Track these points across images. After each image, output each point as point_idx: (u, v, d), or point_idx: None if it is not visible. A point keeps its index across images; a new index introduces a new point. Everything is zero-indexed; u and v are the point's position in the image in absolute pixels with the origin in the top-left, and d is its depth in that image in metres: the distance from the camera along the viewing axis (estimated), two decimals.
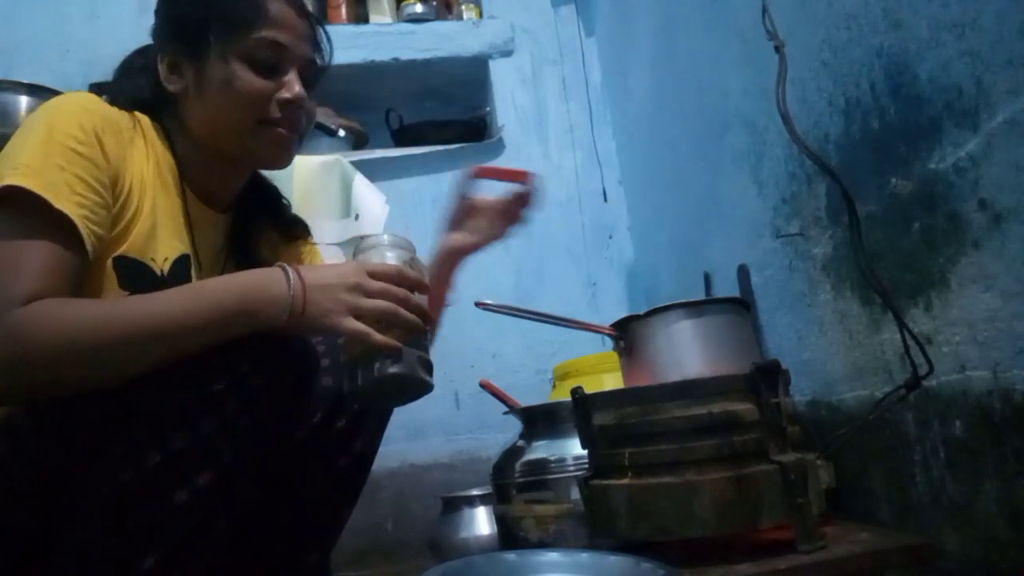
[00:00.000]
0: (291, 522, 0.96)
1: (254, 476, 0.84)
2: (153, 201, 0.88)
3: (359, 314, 0.78)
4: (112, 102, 0.90)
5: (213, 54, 0.89)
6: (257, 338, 0.78)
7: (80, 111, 0.81)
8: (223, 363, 0.76)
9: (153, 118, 0.93)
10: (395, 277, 0.82)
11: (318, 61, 0.97)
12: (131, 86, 0.95)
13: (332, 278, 0.80)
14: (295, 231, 1.10)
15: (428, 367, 0.83)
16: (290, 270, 0.78)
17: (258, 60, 0.89)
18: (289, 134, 0.93)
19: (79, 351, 0.72)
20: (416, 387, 0.82)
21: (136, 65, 0.97)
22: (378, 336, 0.78)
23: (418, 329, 0.82)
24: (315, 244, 1.14)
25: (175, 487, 0.75)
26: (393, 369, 0.79)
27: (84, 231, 0.77)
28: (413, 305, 0.81)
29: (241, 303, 0.76)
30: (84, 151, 0.79)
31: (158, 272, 0.87)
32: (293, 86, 0.91)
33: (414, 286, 0.83)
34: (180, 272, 0.89)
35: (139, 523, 0.75)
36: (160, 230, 0.88)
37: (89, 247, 0.78)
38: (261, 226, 1.05)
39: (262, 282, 0.78)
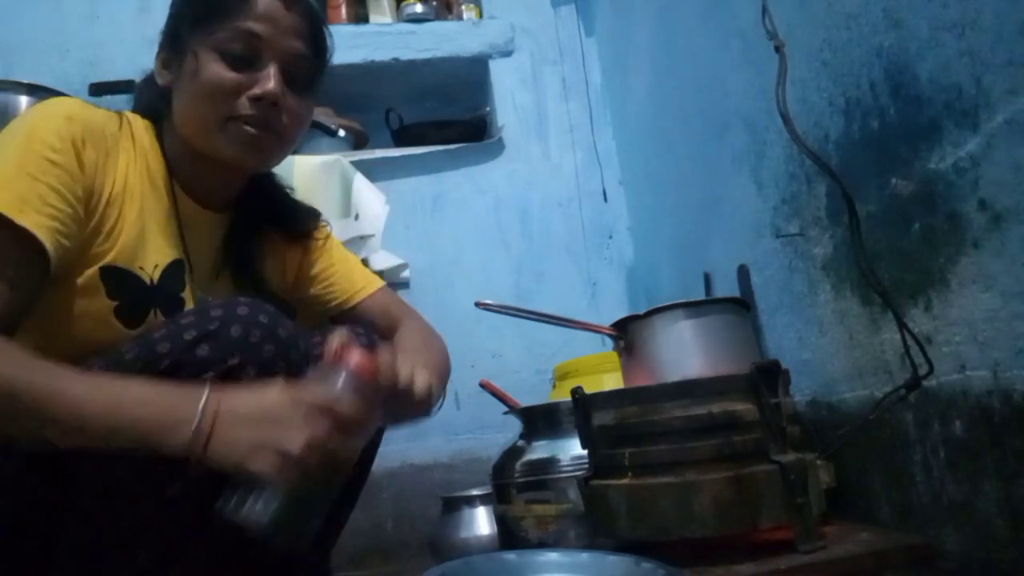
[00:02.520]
0: None
1: None
2: (141, 206, 0.86)
3: (265, 448, 0.67)
4: (134, 107, 0.91)
5: (190, 46, 0.85)
6: (245, 330, 0.76)
7: (61, 120, 0.79)
8: (212, 358, 0.75)
9: (150, 119, 0.92)
10: (328, 410, 0.69)
11: (308, 55, 0.90)
12: (145, 93, 0.94)
13: (251, 406, 0.70)
14: (300, 232, 1.05)
15: (297, 535, 0.71)
16: (208, 394, 0.69)
17: (230, 52, 0.84)
18: (258, 132, 0.86)
19: None
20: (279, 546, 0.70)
21: (147, 80, 0.96)
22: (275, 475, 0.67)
23: (326, 481, 0.71)
24: (328, 234, 1.09)
25: (168, 480, 0.74)
26: (256, 517, 0.66)
27: (49, 244, 0.74)
28: (331, 453, 0.69)
29: (141, 420, 0.68)
30: (59, 160, 0.77)
31: (147, 280, 0.85)
32: (267, 82, 0.85)
33: (347, 424, 0.70)
34: (172, 278, 0.88)
35: (132, 518, 0.75)
36: (149, 236, 0.86)
37: (55, 260, 0.75)
38: (262, 227, 1.02)
39: (171, 403, 0.69)
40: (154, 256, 0.86)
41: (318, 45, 0.92)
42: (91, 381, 0.70)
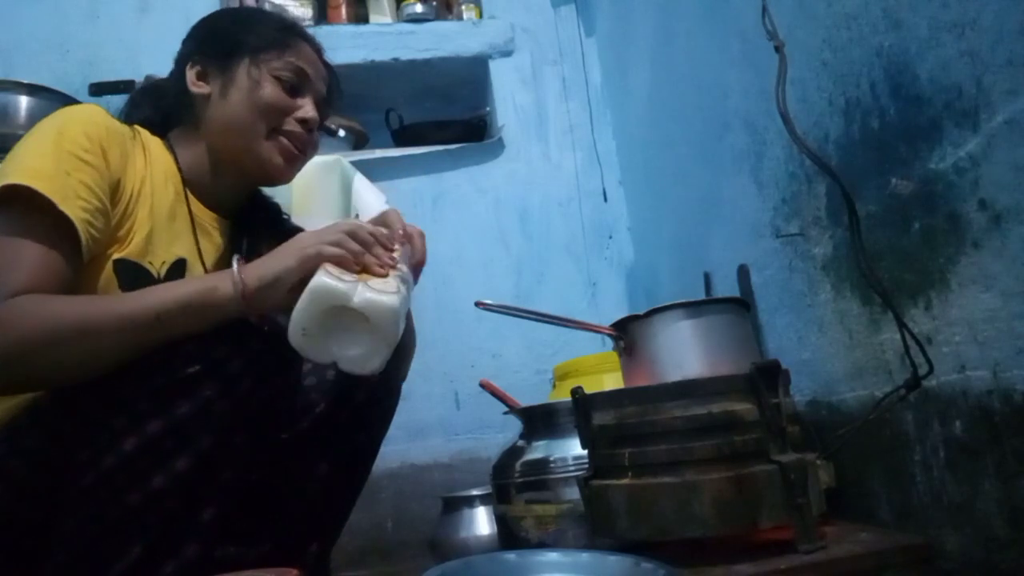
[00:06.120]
0: (291, 511, 0.98)
1: (241, 461, 0.85)
2: (151, 207, 0.92)
3: (289, 254, 0.82)
4: (125, 118, 0.98)
5: (244, 65, 0.98)
6: (236, 324, 0.81)
7: (87, 122, 0.86)
8: (200, 348, 0.79)
9: (157, 133, 0.99)
10: (349, 231, 0.85)
11: (327, 101, 1.06)
12: (149, 101, 1.03)
13: (274, 251, 0.85)
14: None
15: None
16: (237, 263, 0.83)
17: (283, 79, 0.99)
18: (296, 151, 1.00)
19: (56, 342, 0.74)
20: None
21: (152, 89, 1.06)
22: (330, 249, 0.82)
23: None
24: None
25: (152, 473, 0.77)
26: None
27: (83, 235, 0.80)
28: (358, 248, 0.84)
29: (201, 282, 0.81)
30: (90, 159, 0.84)
31: (155, 274, 0.90)
32: (310, 109, 1.00)
33: (367, 244, 0.86)
34: (176, 275, 0.92)
35: (121, 511, 0.76)
36: (157, 235, 0.92)
37: (85, 250, 0.81)
38: (263, 236, 1.07)
39: (220, 271, 0.84)
40: (161, 253, 0.92)
41: (331, 97, 1.09)
42: (148, 288, 0.82)
